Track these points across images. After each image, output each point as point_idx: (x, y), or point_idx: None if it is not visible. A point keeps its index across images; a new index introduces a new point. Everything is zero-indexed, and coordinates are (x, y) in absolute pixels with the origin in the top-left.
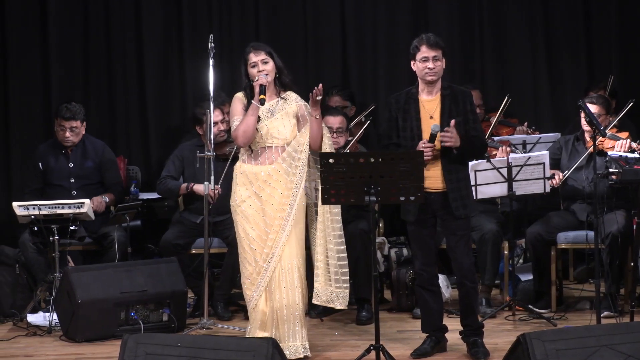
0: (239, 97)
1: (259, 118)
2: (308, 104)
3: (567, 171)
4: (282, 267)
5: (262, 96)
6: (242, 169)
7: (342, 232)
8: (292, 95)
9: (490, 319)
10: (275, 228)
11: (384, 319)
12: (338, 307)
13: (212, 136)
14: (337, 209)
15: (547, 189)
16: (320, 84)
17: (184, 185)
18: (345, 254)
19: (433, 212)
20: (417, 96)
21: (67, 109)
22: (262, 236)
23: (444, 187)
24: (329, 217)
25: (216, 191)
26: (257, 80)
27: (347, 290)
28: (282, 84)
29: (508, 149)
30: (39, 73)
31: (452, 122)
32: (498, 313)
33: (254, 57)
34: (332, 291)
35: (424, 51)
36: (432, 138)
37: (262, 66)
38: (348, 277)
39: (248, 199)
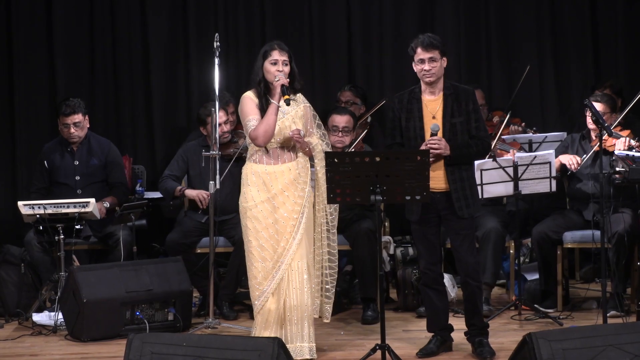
0: (251, 97)
1: None
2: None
3: (585, 155)
4: (291, 268)
5: (286, 96)
6: (254, 169)
7: (337, 247)
8: (300, 97)
9: (495, 318)
10: (287, 236)
11: (390, 318)
12: (325, 320)
13: (217, 135)
14: (334, 222)
15: (554, 188)
16: (298, 131)
17: (178, 187)
18: (336, 269)
19: (437, 211)
20: (420, 96)
21: (67, 105)
22: (272, 242)
23: (447, 187)
24: (326, 228)
25: (207, 197)
26: (278, 80)
27: (331, 306)
28: (293, 89)
29: (514, 151)
30: (44, 72)
31: (440, 132)
32: (504, 312)
33: (277, 55)
34: (322, 302)
35: (419, 53)
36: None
37: (282, 67)
38: (334, 292)
39: (261, 204)
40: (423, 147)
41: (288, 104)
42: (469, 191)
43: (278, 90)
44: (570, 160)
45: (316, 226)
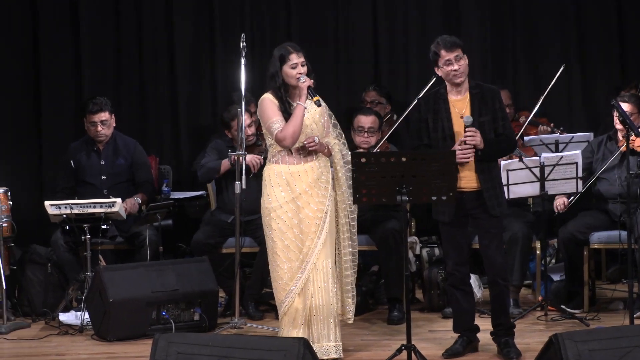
0: (271, 99)
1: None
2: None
3: (572, 198)
4: (316, 268)
5: (316, 97)
6: (277, 170)
7: (357, 247)
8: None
9: (522, 319)
10: (312, 235)
11: (416, 318)
12: (348, 321)
13: (243, 136)
14: (354, 221)
15: (580, 189)
16: (312, 139)
17: (224, 160)
18: (356, 269)
19: (466, 211)
20: (447, 96)
21: (93, 103)
22: (297, 243)
23: (478, 187)
24: (347, 228)
25: (259, 161)
26: (304, 82)
27: (354, 305)
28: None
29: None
30: (70, 73)
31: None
32: (530, 313)
33: (295, 58)
34: (346, 303)
35: (444, 55)
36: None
37: (301, 68)
38: (355, 293)
39: (285, 204)
40: (457, 145)
41: (319, 105)
42: (499, 190)
43: (305, 92)
44: (557, 202)
45: (338, 226)
